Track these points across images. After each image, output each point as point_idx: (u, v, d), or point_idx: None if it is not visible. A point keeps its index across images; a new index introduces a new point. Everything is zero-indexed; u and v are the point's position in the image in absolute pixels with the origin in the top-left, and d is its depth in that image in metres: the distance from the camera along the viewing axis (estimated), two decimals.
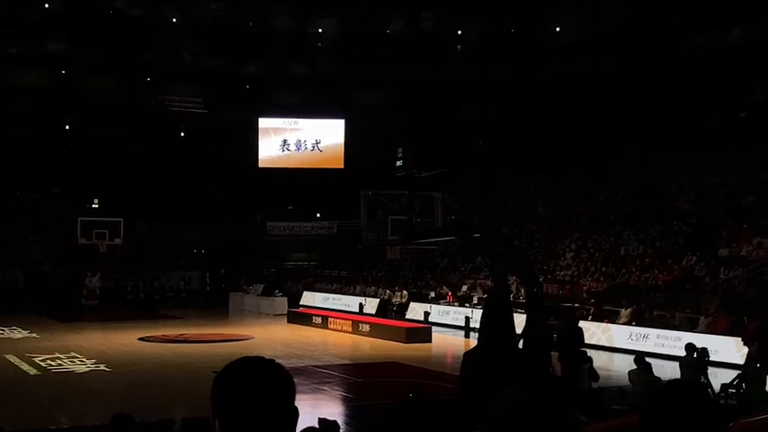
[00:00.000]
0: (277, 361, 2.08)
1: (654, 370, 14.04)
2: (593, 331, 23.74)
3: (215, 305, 38.37)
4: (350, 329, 28.66)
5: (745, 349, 17.67)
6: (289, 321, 32.37)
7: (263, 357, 2.08)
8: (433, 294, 34.01)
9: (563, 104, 40.34)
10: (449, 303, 32.13)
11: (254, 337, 27.35)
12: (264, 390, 2.00)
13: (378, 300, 35.19)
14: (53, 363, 20.69)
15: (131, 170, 42.44)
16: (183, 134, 46.13)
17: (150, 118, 43.68)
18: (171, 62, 44.00)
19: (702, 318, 22.81)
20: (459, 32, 45.05)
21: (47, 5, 42.14)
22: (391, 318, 32.03)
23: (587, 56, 40.84)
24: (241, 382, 2.01)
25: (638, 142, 36.51)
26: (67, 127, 44.81)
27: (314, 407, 14.81)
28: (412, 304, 33.40)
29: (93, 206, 43.21)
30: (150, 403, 15.43)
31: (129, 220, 38.42)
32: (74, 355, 21.98)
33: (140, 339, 25.95)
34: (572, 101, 40.00)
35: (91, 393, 17.41)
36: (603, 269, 29.72)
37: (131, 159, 42.28)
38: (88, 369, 19.98)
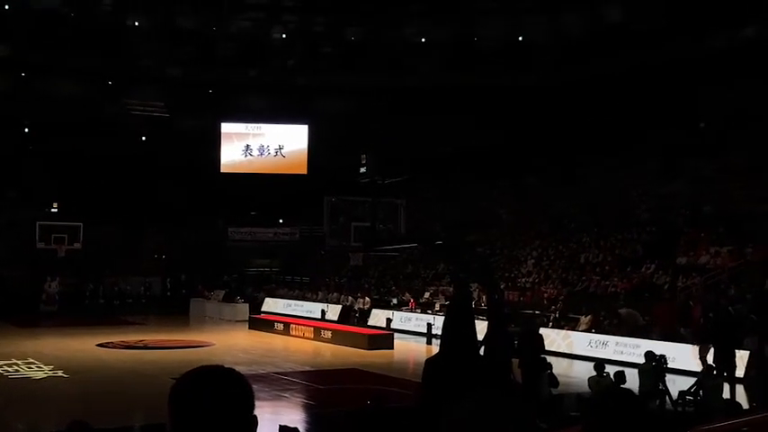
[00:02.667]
0: (236, 369, 2.07)
1: (612, 377, 14.17)
2: (554, 338, 23.93)
3: (176, 311, 37.98)
4: (312, 336, 28.58)
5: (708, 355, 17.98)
6: (250, 328, 32.17)
7: (222, 366, 2.08)
8: (395, 301, 34.04)
9: (526, 113, 40.57)
10: (411, 310, 32.17)
11: (214, 344, 27.13)
12: (222, 399, 1.99)
13: (340, 306, 35.14)
14: (10, 369, 20.36)
15: (91, 174, 41.93)
16: (144, 138, 45.71)
17: (111, 122, 43.22)
18: (133, 66, 43.61)
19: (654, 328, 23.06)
20: (423, 40, 45.21)
21: (6, 6, 41.61)
22: (353, 324, 32.00)
23: (550, 65, 41.24)
24: (198, 391, 2.00)
25: (598, 151, 36.80)
26: (27, 130, 44.22)
27: (275, 414, 14.75)
28: (374, 311, 33.40)
29: (53, 210, 42.69)
30: (108, 410, 15.24)
31: (89, 224, 37.95)
32: (31, 361, 21.66)
33: (99, 345, 25.66)
34: (535, 109, 40.25)
35: (48, 400, 17.14)
36: (564, 276, 29.95)
37: (91, 163, 41.80)
38: (46, 375, 19.70)
